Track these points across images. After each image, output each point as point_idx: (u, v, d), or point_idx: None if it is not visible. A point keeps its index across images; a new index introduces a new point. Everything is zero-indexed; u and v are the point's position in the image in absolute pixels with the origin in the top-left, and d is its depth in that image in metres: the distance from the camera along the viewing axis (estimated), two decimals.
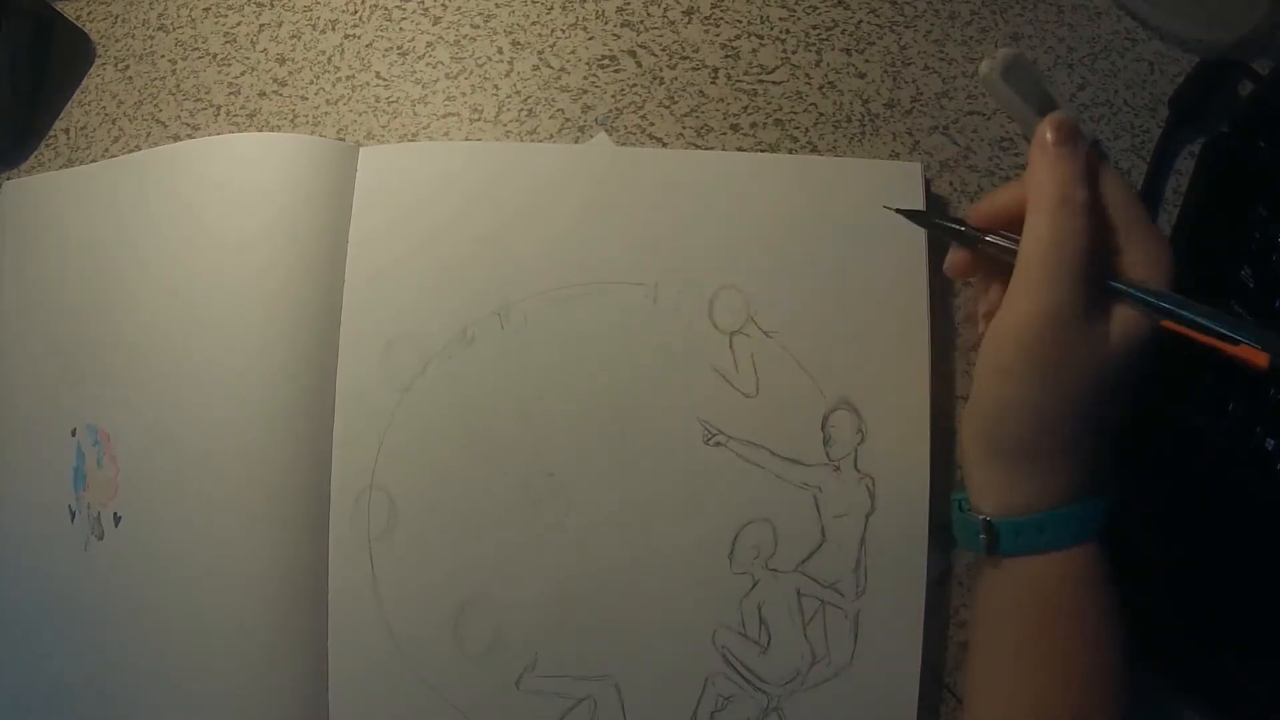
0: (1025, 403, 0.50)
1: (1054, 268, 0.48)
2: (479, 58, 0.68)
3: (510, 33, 0.68)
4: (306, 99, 0.69)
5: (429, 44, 0.69)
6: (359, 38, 0.69)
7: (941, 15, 0.67)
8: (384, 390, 0.60)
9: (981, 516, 0.52)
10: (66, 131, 0.72)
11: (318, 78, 0.69)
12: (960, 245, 0.55)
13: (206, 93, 0.70)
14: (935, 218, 0.57)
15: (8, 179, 0.71)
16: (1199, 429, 0.58)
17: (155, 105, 0.71)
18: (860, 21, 0.67)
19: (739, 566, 0.58)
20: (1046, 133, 0.50)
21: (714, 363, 0.60)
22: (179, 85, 0.71)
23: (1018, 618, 0.52)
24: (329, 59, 0.69)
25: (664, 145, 0.65)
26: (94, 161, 0.69)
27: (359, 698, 0.58)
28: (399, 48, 0.69)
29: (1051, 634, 0.50)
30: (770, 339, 0.59)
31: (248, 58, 0.70)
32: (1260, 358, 0.45)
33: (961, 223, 0.54)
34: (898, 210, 0.56)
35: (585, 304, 0.60)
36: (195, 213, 0.62)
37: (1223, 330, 0.46)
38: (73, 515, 0.63)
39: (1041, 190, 0.49)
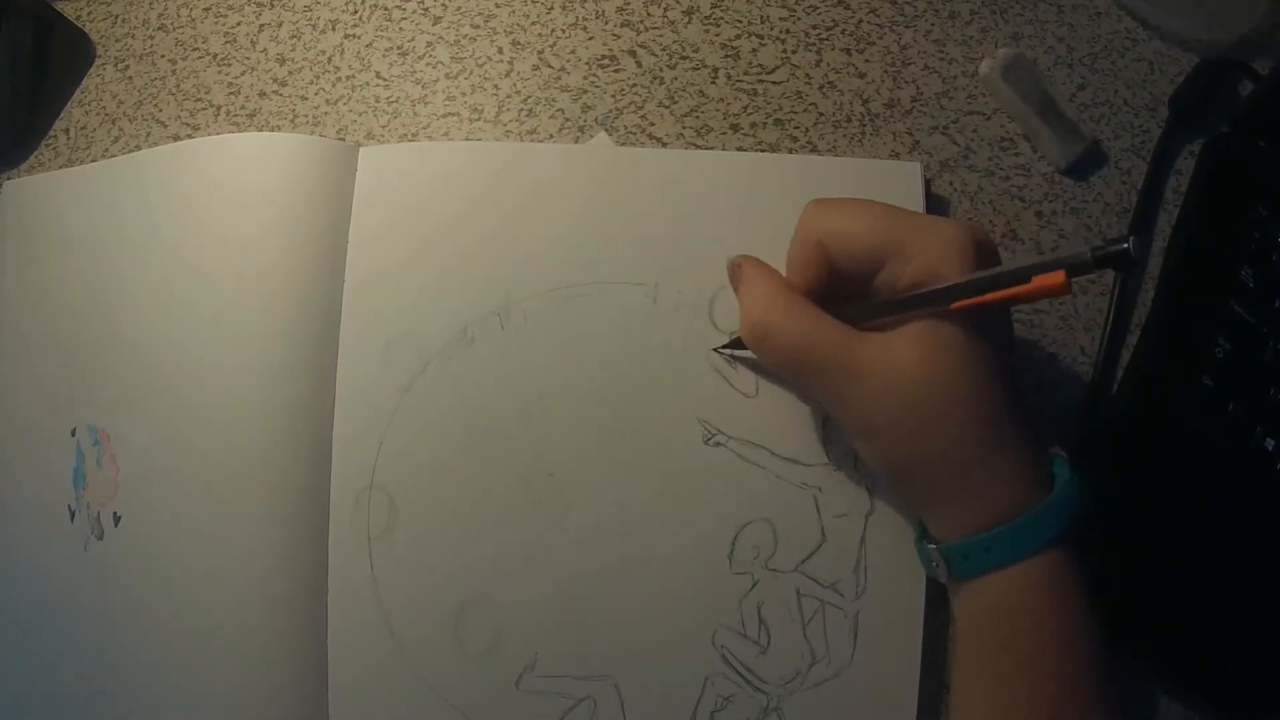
0: (905, 462, 0.51)
1: (800, 377, 0.53)
2: (479, 58, 0.68)
3: (510, 33, 0.68)
4: (306, 99, 0.69)
5: (429, 44, 0.69)
6: (359, 38, 0.69)
7: (941, 15, 0.67)
8: (384, 390, 0.60)
9: (932, 545, 0.52)
10: (66, 131, 0.72)
11: (318, 78, 0.69)
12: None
13: (206, 93, 0.70)
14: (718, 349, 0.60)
15: (7, 179, 0.71)
16: (1199, 429, 0.58)
17: (155, 105, 0.71)
18: (860, 21, 0.67)
19: (739, 566, 0.58)
20: (733, 273, 0.56)
21: (714, 363, 0.60)
22: (179, 85, 0.71)
23: (987, 636, 0.51)
24: (329, 59, 0.69)
25: (664, 145, 0.65)
26: (94, 161, 0.69)
27: (359, 698, 0.58)
28: (399, 48, 0.69)
29: (1020, 647, 0.50)
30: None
31: (248, 58, 0.70)
32: (1055, 277, 0.44)
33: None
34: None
35: (585, 304, 0.60)
36: (195, 212, 0.62)
37: (1006, 275, 0.46)
38: (72, 515, 0.63)
39: (744, 333, 0.54)
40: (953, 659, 0.56)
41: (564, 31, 0.68)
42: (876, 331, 0.50)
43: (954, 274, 0.48)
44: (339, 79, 0.69)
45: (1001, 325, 0.52)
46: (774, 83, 0.66)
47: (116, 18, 0.73)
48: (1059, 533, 0.49)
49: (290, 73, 0.70)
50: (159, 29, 0.72)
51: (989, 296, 0.46)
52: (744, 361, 0.59)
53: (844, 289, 0.52)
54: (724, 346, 0.59)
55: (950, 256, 0.48)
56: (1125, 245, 0.41)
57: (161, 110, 0.71)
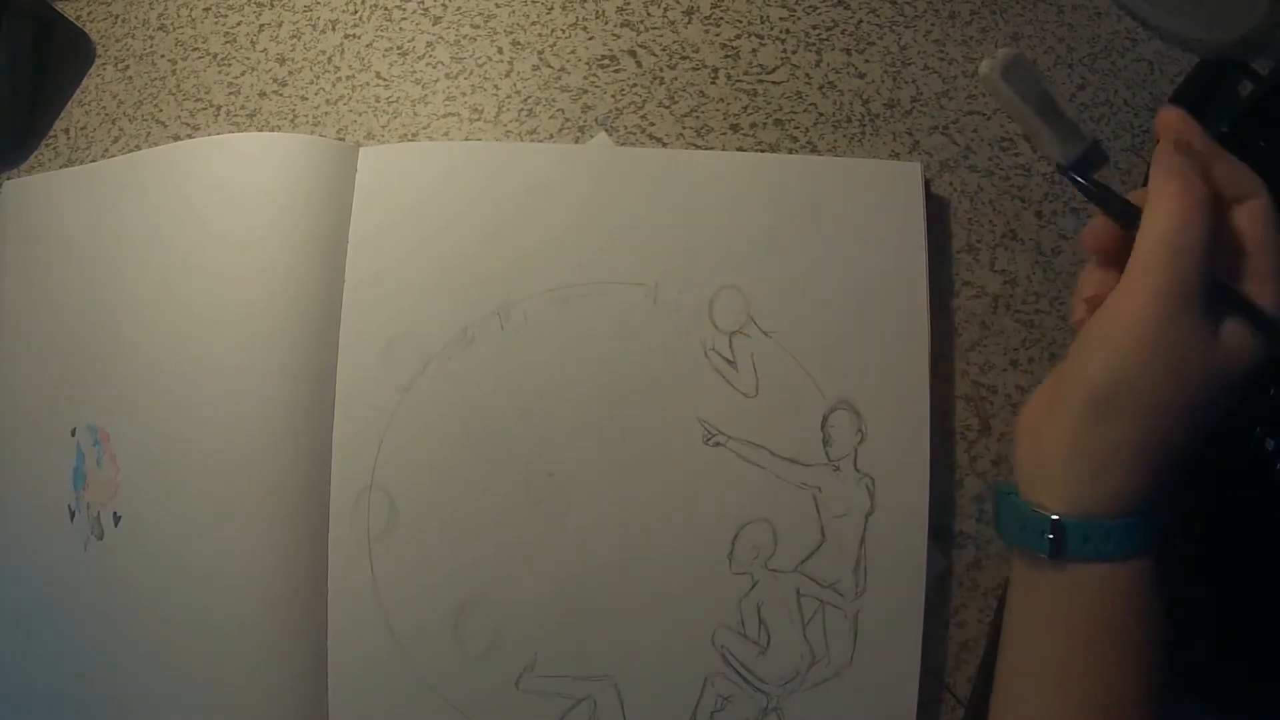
0: (1129, 396, 0.48)
1: (1168, 260, 0.47)
2: (479, 58, 0.68)
3: (510, 33, 0.68)
4: (306, 99, 0.69)
5: (429, 44, 0.69)
6: (359, 38, 0.69)
7: (941, 15, 0.67)
8: (384, 390, 0.60)
9: (1051, 514, 0.49)
10: (66, 131, 0.72)
11: (318, 78, 0.69)
12: (1105, 211, 0.52)
13: (206, 93, 0.70)
14: (1072, 175, 0.52)
15: (8, 179, 0.71)
16: None
17: (155, 105, 0.71)
18: (860, 21, 0.67)
19: (739, 566, 0.58)
20: (1176, 122, 0.50)
21: (714, 363, 0.60)
22: (179, 85, 0.71)
23: (1066, 628, 0.49)
24: (329, 59, 0.69)
25: (664, 145, 0.65)
26: (94, 161, 0.69)
27: (359, 697, 0.58)
28: (399, 48, 0.69)
29: (1098, 650, 0.48)
30: (770, 339, 0.59)
31: (248, 58, 0.70)
32: None
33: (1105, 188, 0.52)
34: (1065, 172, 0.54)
35: (585, 304, 0.60)
36: (195, 212, 0.62)
37: None
38: (72, 515, 0.63)
39: (1166, 181, 0.48)
40: (1008, 633, 0.53)
41: (564, 31, 0.68)
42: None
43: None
44: (339, 79, 0.69)
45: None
46: (774, 83, 0.66)
47: (116, 18, 0.73)
48: (1159, 540, 0.48)
49: (290, 73, 0.70)
50: (159, 29, 0.72)
51: None
52: (743, 361, 0.60)
53: None
54: (1082, 181, 0.51)
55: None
56: None
57: (161, 110, 0.71)
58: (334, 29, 0.70)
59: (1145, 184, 0.49)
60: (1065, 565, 0.49)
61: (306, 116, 0.68)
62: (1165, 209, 0.47)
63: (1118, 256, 0.51)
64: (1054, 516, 0.49)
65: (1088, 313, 0.51)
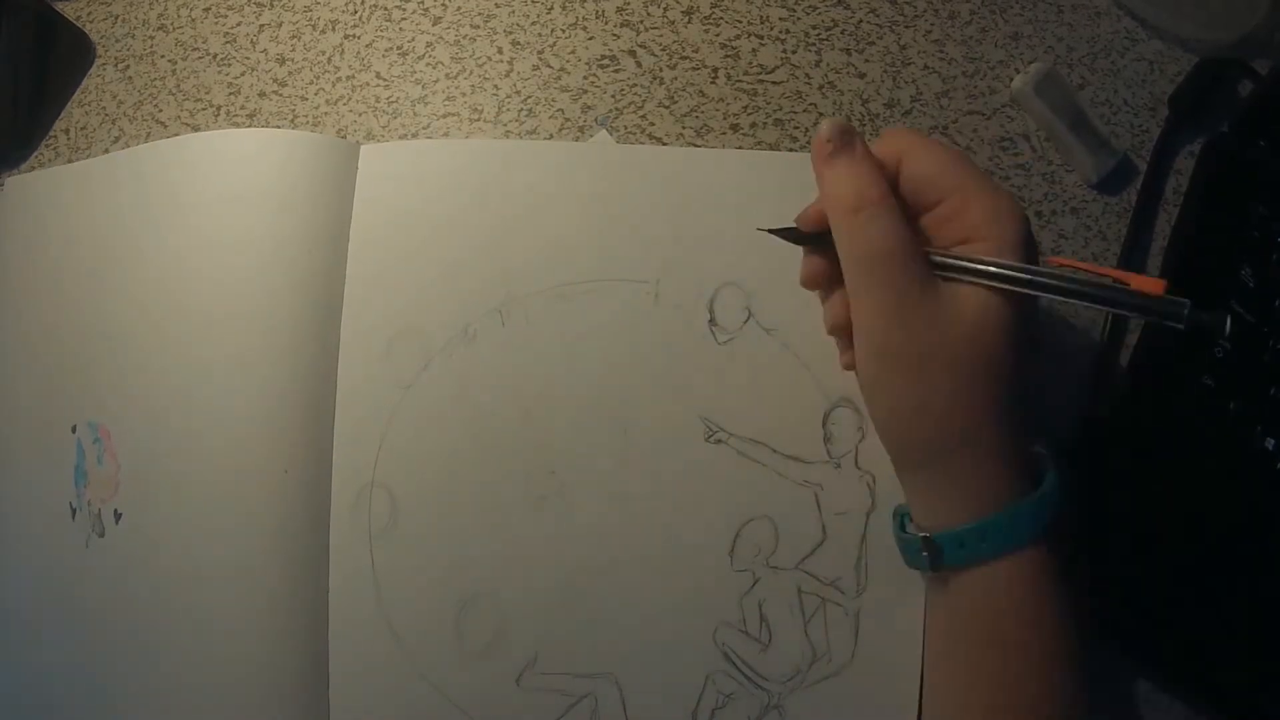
0: (903, 410, 0.49)
1: (870, 272, 0.48)
2: (479, 58, 0.68)
3: (510, 33, 0.68)
4: (306, 99, 0.69)
5: (429, 44, 0.69)
6: (359, 38, 0.69)
7: (941, 15, 0.67)
8: (385, 387, 0.60)
9: (921, 534, 0.51)
10: (66, 131, 0.72)
11: (318, 78, 0.69)
12: (808, 250, 0.54)
13: (206, 93, 0.70)
14: (767, 229, 0.55)
15: (8, 177, 0.71)
16: (1199, 429, 0.58)
17: (155, 105, 0.71)
18: (860, 21, 0.67)
19: (740, 564, 0.58)
20: (820, 144, 0.51)
21: (715, 360, 0.60)
22: (179, 85, 0.71)
23: (969, 629, 0.50)
24: (329, 59, 0.69)
25: (664, 145, 0.65)
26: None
27: (359, 695, 0.58)
28: (399, 48, 0.69)
29: (1004, 642, 0.49)
30: (771, 336, 0.59)
31: (248, 58, 0.70)
32: (1156, 282, 0.44)
33: (792, 229, 0.53)
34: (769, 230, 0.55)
35: (586, 301, 0.60)
36: (196, 209, 0.62)
37: (1103, 283, 0.46)
38: (73, 512, 0.63)
39: (832, 204, 0.50)
40: (927, 660, 0.55)
41: (564, 31, 0.68)
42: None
43: (1003, 238, 0.47)
44: (339, 79, 0.69)
45: (1033, 325, 0.51)
46: (774, 83, 0.66)
47: (116, 18, 0.73)
48: (1043, 529, 0.48)
49: (290, 73, 0.70)
50: (159, 29, 0.72)
51: (1092, 267, 0.47)
52: (744, 359, 0.59)
53: None
54: (773, 229, 0.54)
55: (1011, 226, 0.48)
56: (1224, 323, 0.41)
57: (161, 110, 0.71)
58: (334, 29, 0.70)
59: None
60: (947, 577, 0.50)
61: (306, 116, 0.68)
62: (843, 237, 0.49)
63: (832, 279, 0.53)
64: (923, 535, 0.50)
65: (846, 346, 0.53)
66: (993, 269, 0.47)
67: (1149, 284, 0.44)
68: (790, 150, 0.65)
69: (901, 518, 0.54)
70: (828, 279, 0.53)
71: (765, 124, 0.65)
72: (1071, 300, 0.47)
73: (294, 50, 0.70)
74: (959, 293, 0.48)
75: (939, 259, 0.49)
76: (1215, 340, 0.40)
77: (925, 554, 0.50)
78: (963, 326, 0.47)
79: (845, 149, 0.50)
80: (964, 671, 0.51)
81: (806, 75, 0.66)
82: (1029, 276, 0.47)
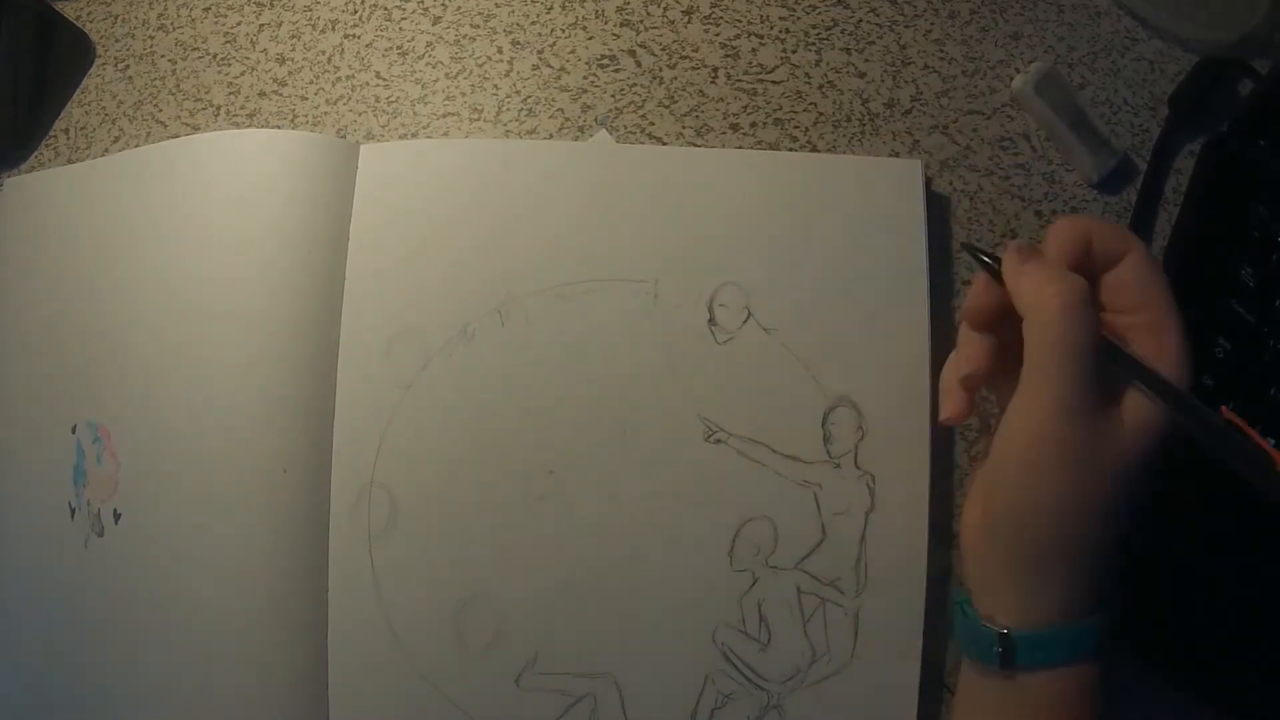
0: (1047, 506, 0.48)
1: (1061, 369, 0.47)
2: (479, 58, 0.68)
3: (510, 32, 0.68)
4: (306, 99, 0.69)
5: (429, 44, 0.69)
6: (359, 38, 0.69)
7: (941, 15, 0.67)
8: (385, 387, 0.60)
9: (996, 628, 0.49)
10: (66, 131, 0.72)
11: (318, 78, 0.69)
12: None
13: (206, 93, 0.70)
14: (973, 246, 0.54)
15: (8, 177, 0.71)
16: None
17: (155, 105, 0.71)
18: (860, 21, 0.67)
19: (739, 564, 0.58)
20: (1011, 255, 0.50)
21: (715, 360, 0.60)
22: (179, 85, 0.71)
23: None
24: (329, 59, 0.69)
25: (664, 145, 0.65)
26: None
27: (359, 695, 0.58)
28: (399, 48, 0.69)
29: None
30: (770, 336, 0.59)
31: (248, 58, 0.70)
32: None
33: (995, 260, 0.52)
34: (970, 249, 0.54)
35: (586, 301, 0.60)
36: (196, 209, 0.62)
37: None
38: (73, 512, 0.63)
39: (1037, 300, 0.48)
40: None
41: (564, 31, 0.68)
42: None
43: (1176, 366, 0.47)
44: (339, 79, 0.69)
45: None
46: (774, 82, 0.66)
47: (116, 18, 0.73)
48: (1108, 643, 0.48)
49: (290, 73, 0.70)
50: (159, 29, 0.72)
51: (1252, 432, 0.47)
52: (744, 359, 0.60)
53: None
54: (978, 252, 0.52)
55: (1183, 360, 0.48)
56: None
57: (161, 110, 0.71)
58: (334, 29, 0.70)
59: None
60: (1012, 675, 0.49)
61: (306, 116, 0.68)
62: (1048, 312, 0.47)
63: (991, 320, 0.52)
64: (1003, 630, 0.49)
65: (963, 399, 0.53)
66: (1163, 380, 0.47)
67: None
68: (790, 150, 0.65)
69: (962, 604, 0.52)
70: (985, 310, 0.52)
71: (765, 124, 0.65)
72: (1214, 449, 0.47)
73: (294, 50, 0.70)
74: (1124, 402, 0.47)
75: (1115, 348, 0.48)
76: None
77: (998, 650, 0.49)
78: (1126, 438, 0.47)
79: (1033, 255, 0.49)
80: None
81: (806, 75, 0.66)
82: (1191, 404, 0.47)
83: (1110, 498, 0.47)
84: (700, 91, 0.66)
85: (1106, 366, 0.47)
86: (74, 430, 0.63)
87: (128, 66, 0.72)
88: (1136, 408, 0.47)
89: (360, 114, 0.68)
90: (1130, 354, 0.48)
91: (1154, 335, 0.48)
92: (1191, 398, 0.47)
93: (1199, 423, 0.47)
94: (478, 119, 0.67)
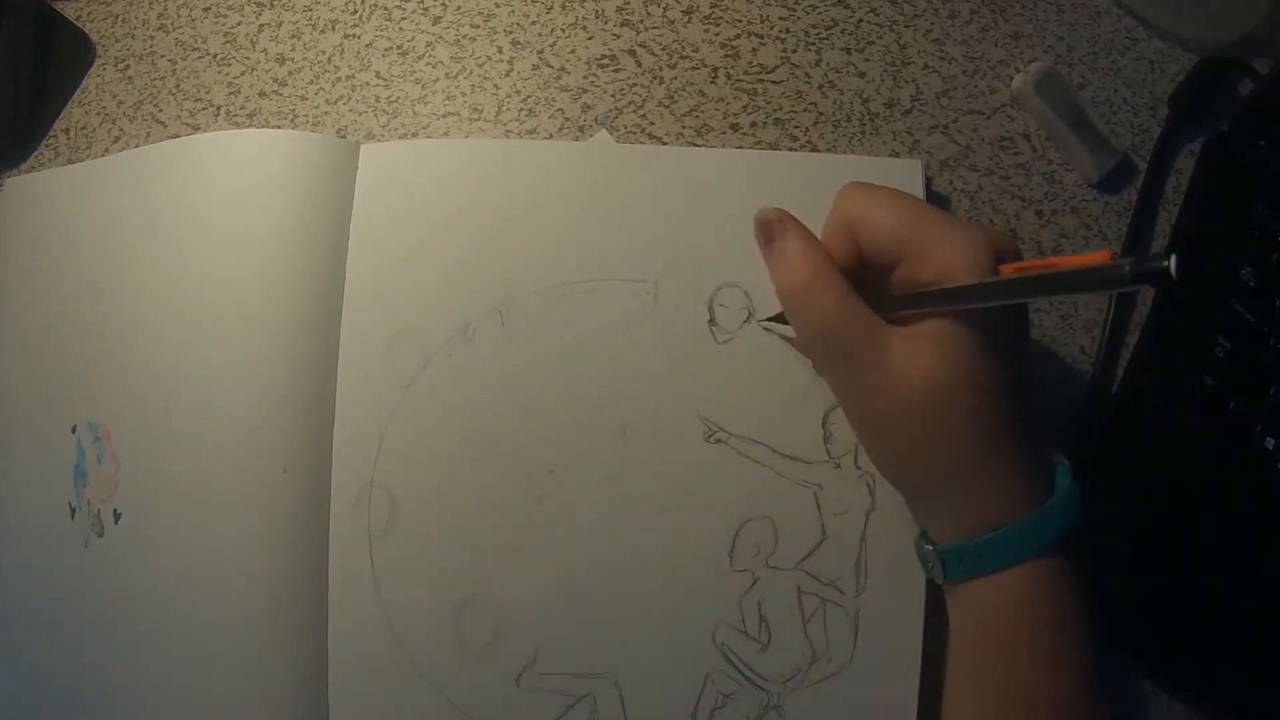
0: (892, 457, 0.52)
1: (816, 350, 0.53)
2: (479, 57, 0.68)
3: (510, 32, 0.68)
4: (306, 99, 0.69)
5: (429, 44, 0.69)
6: (359, 38, 0.69)
7: (941, 15, 0.67)
8: (385, 387, 0.60)
9: (929, 546, 0.52)
10: (66, 131, 0.72)
11: (318, 78, 0.69)
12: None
13: (206, 93, 0.70)
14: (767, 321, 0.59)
15: (8, 177, 0.71)
16: (1199, 429, 0.58)
17: (155, 105, 0.71)
18: (860, 21, 0.67)
19: (739, 564, 0.58)
20: (755, 237, 0.55)
21: (715, 360, 0.60)
22: (179, 85, 0.71)
23: (975, 643, 0.51)
24: (329, 59, 0.69)
25: (664, 145, 0.65)
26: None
27: (359, 695, 0.58)
28: (399, 48, 0.69)
29: (1009, 656, 0.49)
30: (770, 336, 0.59)
31: (248, 58, 0.70)
32: (1101, 254, 0.43)
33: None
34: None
35: (586, 301, 0.60)
36: (196, 209, 0.62)
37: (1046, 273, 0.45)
38: (73, 512, 0.63)
39: (777, 289, 0.54)
40: (947, 660, 0.56)
41: (564, 31, 0.68)
42: (897, 325, 0.50)
43: (960, 267, 0.48)
44: (339, 79, 0.69)
45: (1019, 329, 0.52)
46: (774, 82, 0.66)
47: (116, 18, 0.73)
48: (1052, 541, 0.48)
49: (290, 73, 0.70)
50: (159, 29, 0.72)
51: (1033, 261, 0.46)
52: (744, 359, 0.59)
53: (866, 276, 0.52)
54: (770, 318, 0.59)
55: (969, 263, 0.48)
56: (1166, 265, 0.40)
57: (161, 110, 0.71)
58: (334, 29, 0.70)
59: None
60: (956, 591, 0.52)
61: (306, 116, 0.68)
62: (786, 309, 0.55)
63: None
64: (930, 548, 0.52)
65: None
66: (934, 292, 0.48)
67: (1092, 258, 0.43)
68: (790, 150, 0.65)
69: (922, 531, 0.55)
70: None
71: (765, 124, 0.65)
72: (1020, 299, 0.48)
73: (294, 50, 0.70)
74: (914, 342, 0.49)
75: (891, 301, 0.51)
76: (1167, 285, 0.39)
77: (933, 566, 0.52)
78: (923, 373, 0.48)
79: (778, 235, 0.54)
80: (974, 688, 0.51)
81: (806, 75, 0.66)
82: (971, 292, 0.47)
83: (950, 431, 0.49)
84: (700, 91, 0.66)
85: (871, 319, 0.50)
86: (74, 430, 0.63)
87: (128, 66, 0.72)
88: (928, 339, 0.48)
89: (360, 114, 0.68)
90: (889, 297, 0.51)
91: (925, 269, 0.49)
92: (950, 287, 0.48)
93: (982, 297, 0.47)
94: (478, 119, 0.67)
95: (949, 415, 0.48)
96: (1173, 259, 0.38)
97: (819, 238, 0.54)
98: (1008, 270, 0.48)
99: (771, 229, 0.54)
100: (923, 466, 0.51)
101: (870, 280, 0.52)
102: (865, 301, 0.51)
